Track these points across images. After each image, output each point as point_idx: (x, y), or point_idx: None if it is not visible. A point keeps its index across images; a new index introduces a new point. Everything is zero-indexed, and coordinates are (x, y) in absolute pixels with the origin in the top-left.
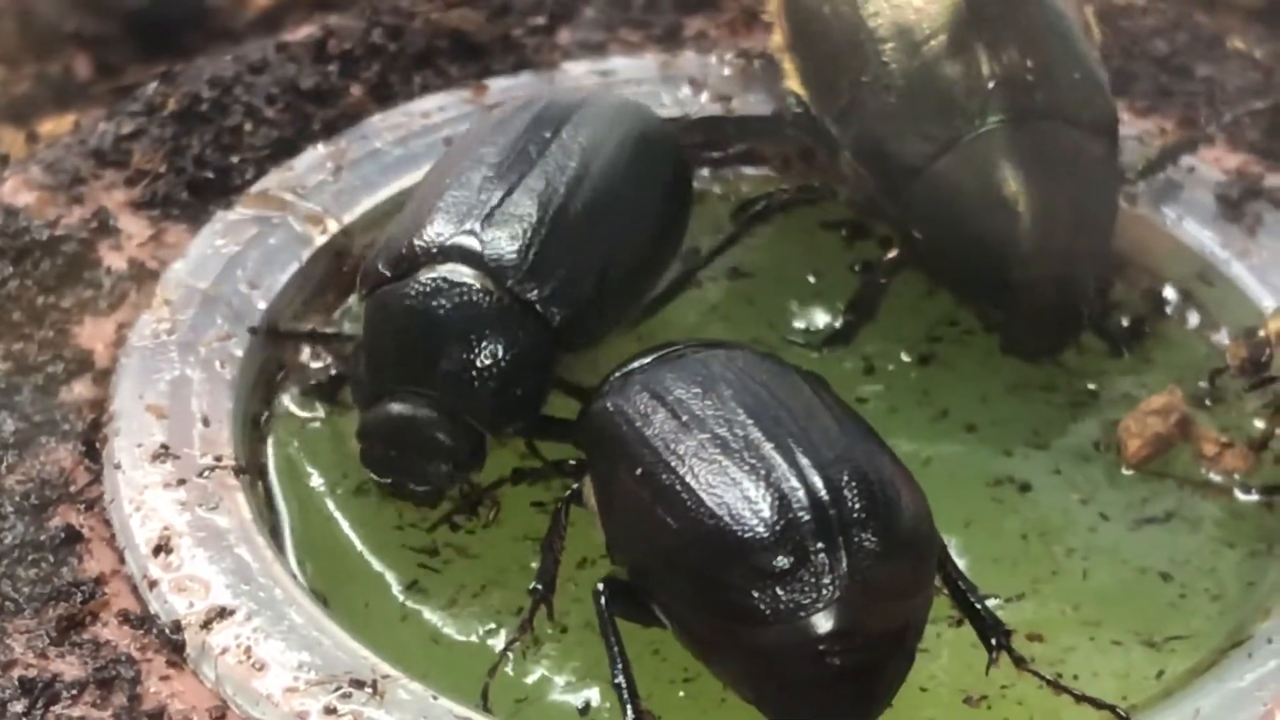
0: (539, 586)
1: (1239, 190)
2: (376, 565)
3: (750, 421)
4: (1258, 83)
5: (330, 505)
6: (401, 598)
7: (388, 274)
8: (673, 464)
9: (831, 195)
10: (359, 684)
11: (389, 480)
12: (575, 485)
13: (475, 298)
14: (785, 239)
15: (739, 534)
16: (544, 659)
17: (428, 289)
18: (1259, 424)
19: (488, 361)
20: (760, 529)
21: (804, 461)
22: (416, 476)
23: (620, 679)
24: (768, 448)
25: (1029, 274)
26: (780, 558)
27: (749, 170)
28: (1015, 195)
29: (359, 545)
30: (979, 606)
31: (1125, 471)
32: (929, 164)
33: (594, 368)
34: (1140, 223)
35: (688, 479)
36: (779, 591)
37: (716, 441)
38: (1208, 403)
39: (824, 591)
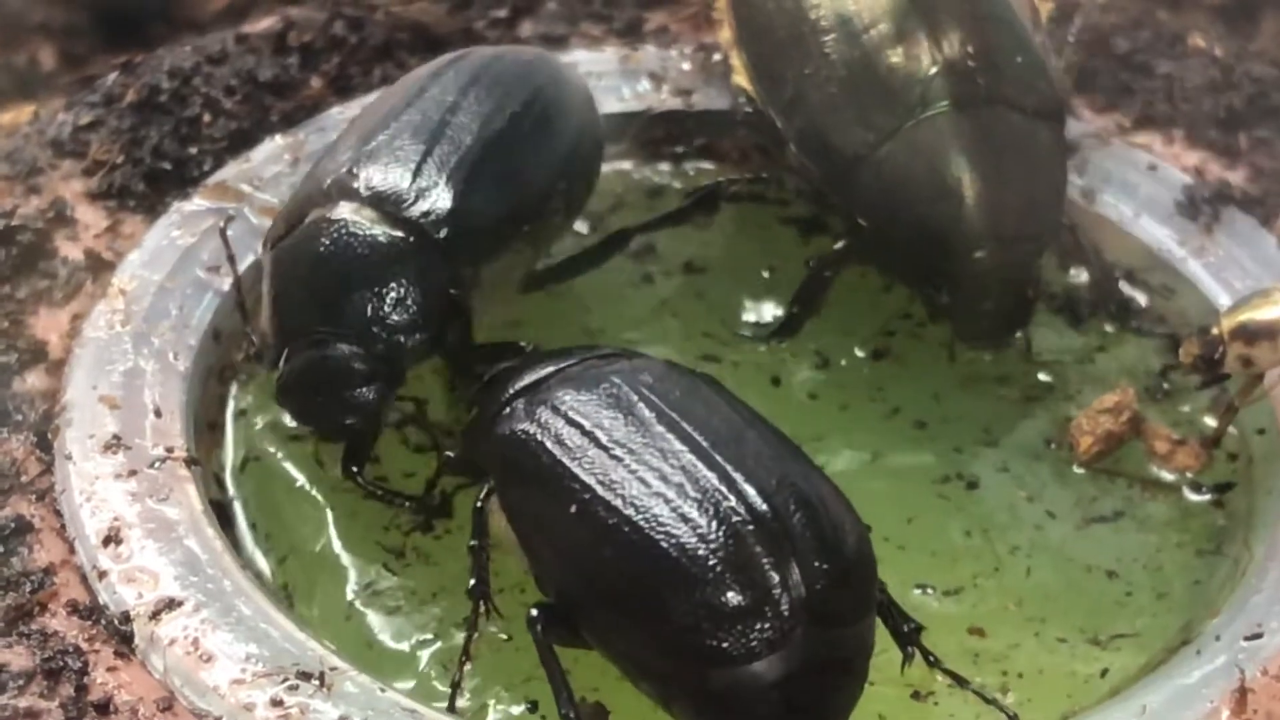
0: (475, 584)
1: (1196, 188)
2: (344, 559)
3: (683, 449)
4: (1218, 80)
5: (301, 497)
6: (351, 597)
7: (282, 230)
8: (607, 498)
9: (780, 188)
10: (306, 676)
11: (320, 427)
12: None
13: (355, 229)
14: (741, 234)
15: (691, 571)
16: (494, 659)
17: (311, 231)
18: (1210, 421)
19: (379, 285)
20: (714, 564)
21: (748, 489)
22: (343, 411)
23: (567, 710)
24: (709, 477)
25: (973, 260)
26: (737, 595)
27: (709, 165)
28: (959, 181)
29: (332, 539)
30: (889, 605)
31: (1076, 469)
32: (872, 152)
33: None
34: (1097, 220)
35: (628, 513)
36: (737, 630)
37: (653, 471)
38: (1159, 398)
39: (784, 628)
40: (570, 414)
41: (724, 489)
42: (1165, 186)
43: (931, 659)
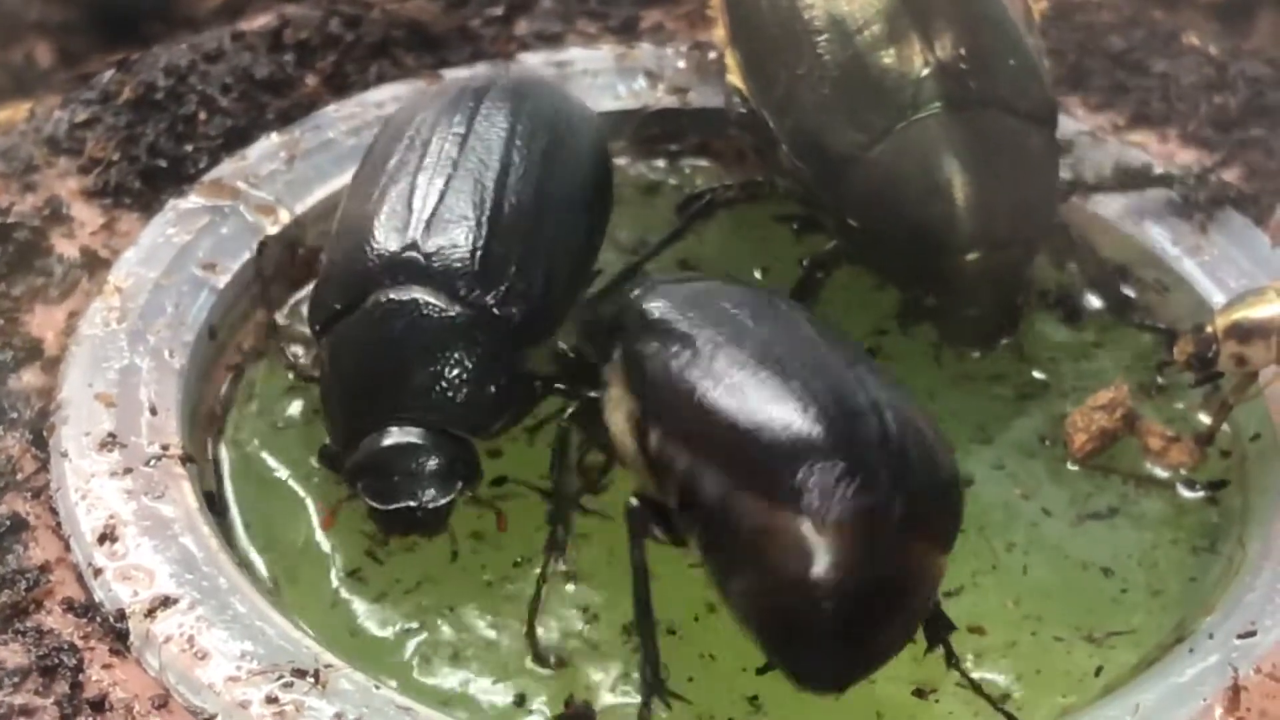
0: (558, 531)
1: (1191, 186)
2: (325, 546)
3: (809, 338)
4: (1212, 79)
5: (286, 490)
6: (337, 584)
7: (338, 306)
8: (743, 369)
9: (773, 189)
10: (301, 673)
11: (391, 512)
12: (580, 402)
13: (430, 314)
14: (736, 233)
15: (808, 434)
16: (484, 652)
17: (380, 315)
18: (1204, 418)
19: (456, 373)
20: (830, 433)
21: (870, 387)
22: (419, 498)
23: (644, 614)
24: (835, 366)
25: (963, 263)
26: (846, 464)
27: (705, 163)
28: (950, 183)
29: (315, 529)
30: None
31: (1070, 467)
32: (864, 153)
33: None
34: (1091, 218)
35: (762, 383)
36: (838, 490)
37: (778, 354)
38: (1153, 394)
39: (878, 508)
40: (706, 298)
41: (846, 374)
42: (1160, 185)
43: (953, 660)
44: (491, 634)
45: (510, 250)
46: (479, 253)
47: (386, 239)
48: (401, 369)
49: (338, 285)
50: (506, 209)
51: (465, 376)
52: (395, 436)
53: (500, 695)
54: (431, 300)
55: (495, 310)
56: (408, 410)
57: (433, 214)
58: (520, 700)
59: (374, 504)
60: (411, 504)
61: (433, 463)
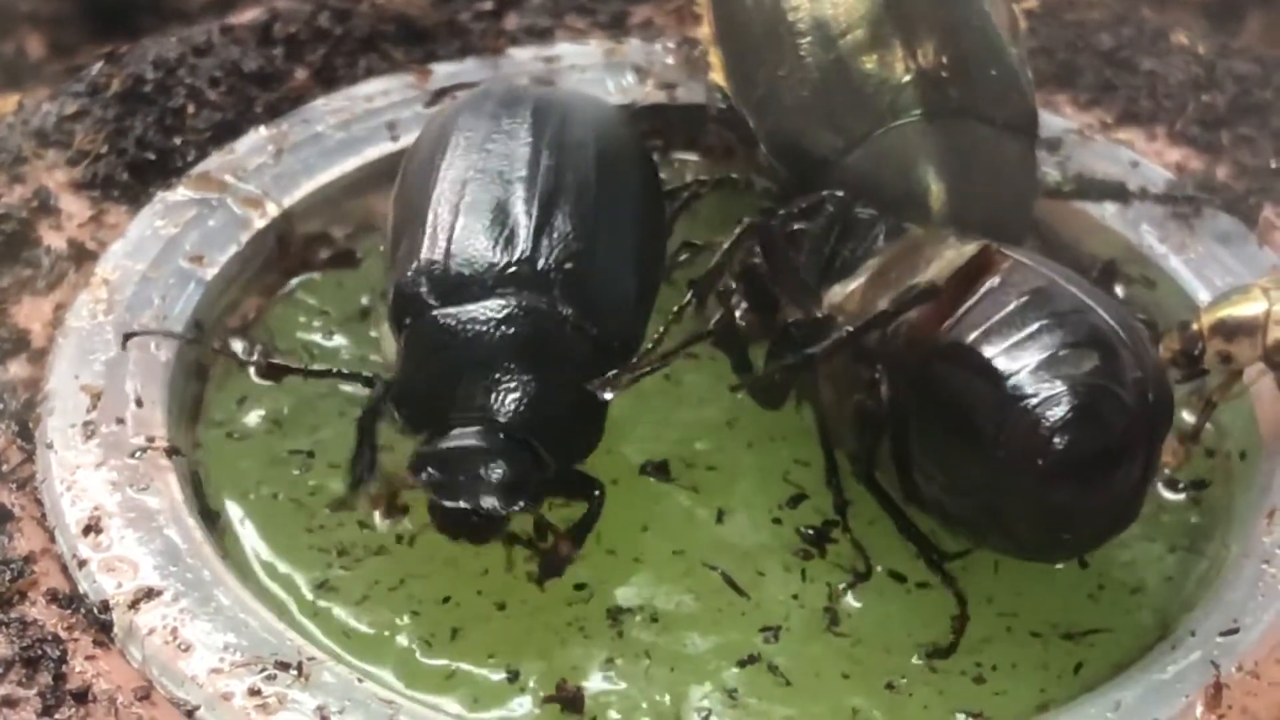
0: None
1: (1178, 184)
2: (283, 568)
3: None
4: (1200, 77)
5: (239, 509)
6: (312, 596)
7: (433, 301)
8: None
9: (749, 187)
10: (284, 666)
11: (451, 508)
12: None
13: (538, 323)
14: (723, 227)
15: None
16: (481, 627)
17: (486, 317)
18: (1189, 417)
19: (552, 387)
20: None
21: None
22: (486, 501)
23: None
24: None
25: None
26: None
27: (693, 157)
28: (925, 192)
29: (266, 551)
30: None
31: None
32: (841, 158)
33: None
34: (1078, 216)
35: None
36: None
37: None
38: None
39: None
40: None
41: None
42: (1147, 183)
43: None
44: (496, 608)
45: (600, 266)
46: (576, 267)
47: (488, 240)
48: (498, 373)
49: (435, 280)
50: (599, 225)
51: (561, 392)
52: (475, 438)
53: (495, 671)
54: (537, 308)
55: (593, 330)
56: (492, 414)
57: (533, 225)
58: (514, 676)
59: (434, 496)
60: (472, 506)
61: (505, 472)
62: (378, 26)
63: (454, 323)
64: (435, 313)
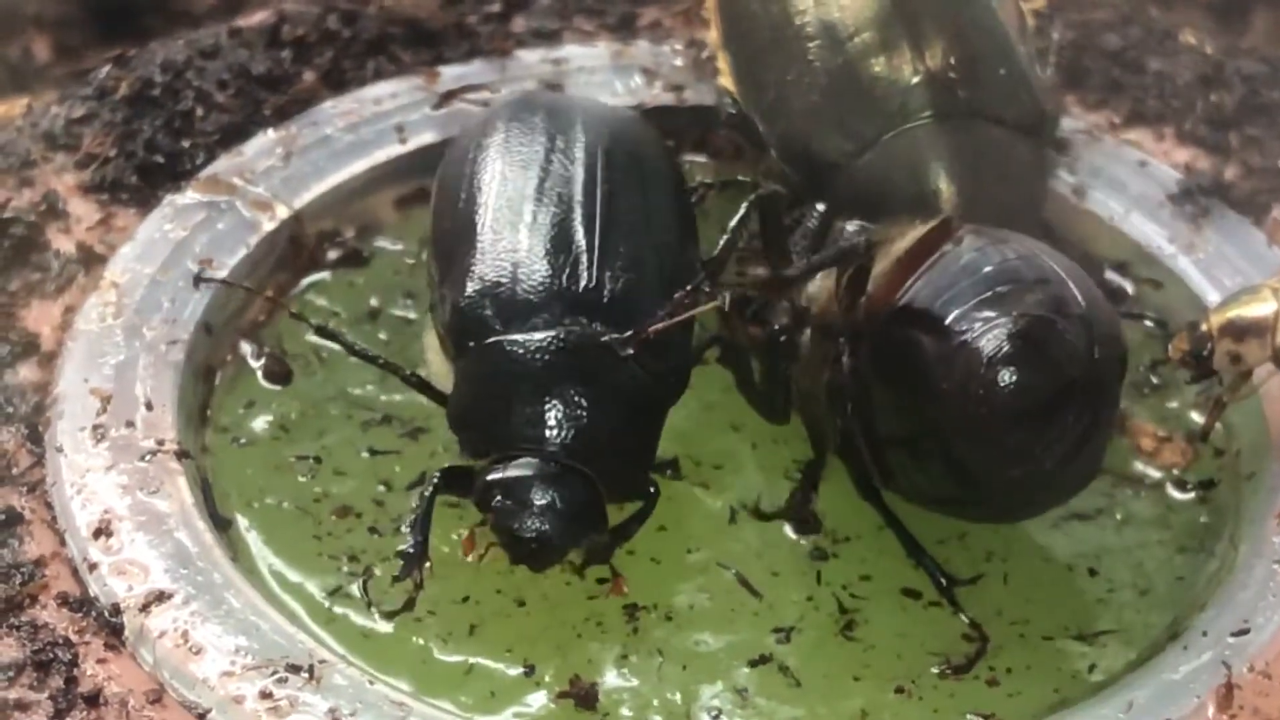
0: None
1: (1187, 184)
2: (293, 576)
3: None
4: (1208, 77)
5: (244, 517)
6: (327, 604)
7: (498, 326)
8: None
9: (754, 190)
10: (295, 668)
11: (519, 538)
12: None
13: (602, 353)
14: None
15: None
16: (498, 623)
17: (555, 347)
18: (1198, 417)
19: (615, 416)
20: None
21: None
22: (557, 531)
23: None
24: None
25: None
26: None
27: (702, 159)
28: (936, 194)
29: (274, 558)
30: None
31: None
32: (851, 161)
33: None
34: (1087, 216)
35: None
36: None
37: None
38: (1147, 393)
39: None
40: None
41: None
42: (1156, 183)
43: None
44: (517, 604)
45: (655, 294)
46: (639, 297)
47: (551, 266)
48: (564, 402)
49: (501, 305)
50: (655, 244)
51: (623, 421)
52: (543, 468)
53: (513, 665)
54: (606, 339)
55: (651, 359)
56: (558, 442)
57: (590, 250)
58: (530, 670)
59: (504, 524)
60: (540, 537)
61: (574, 503)
62: (386, 29)
63: (520, 350)
64: (501, 338)
